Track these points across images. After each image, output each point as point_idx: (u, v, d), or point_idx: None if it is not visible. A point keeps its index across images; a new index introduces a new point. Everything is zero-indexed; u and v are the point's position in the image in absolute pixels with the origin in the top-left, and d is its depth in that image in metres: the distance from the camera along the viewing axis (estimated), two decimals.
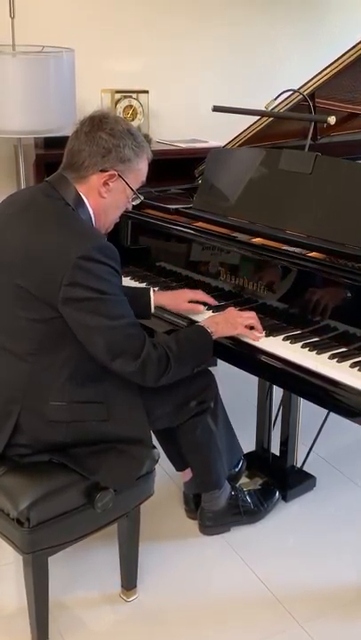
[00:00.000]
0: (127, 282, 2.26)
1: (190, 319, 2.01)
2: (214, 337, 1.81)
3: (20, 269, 1.61)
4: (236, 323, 1.84)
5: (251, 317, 1.86)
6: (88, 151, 1.68)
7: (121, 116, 2.99)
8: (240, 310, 1.91)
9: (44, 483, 1.63)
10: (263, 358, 1.80)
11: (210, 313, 2.00)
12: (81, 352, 1.64)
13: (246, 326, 1.84)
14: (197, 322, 1.89)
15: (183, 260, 2.24)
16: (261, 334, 1.85)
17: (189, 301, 2.02)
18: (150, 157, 1.79)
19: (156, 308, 2.02)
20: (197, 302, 2.02)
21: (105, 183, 1.70)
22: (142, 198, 1.85)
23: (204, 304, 2.02)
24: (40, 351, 1.64)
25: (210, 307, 2.03)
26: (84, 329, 1.60)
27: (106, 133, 1.68)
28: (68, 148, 1.72)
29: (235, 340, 1.87)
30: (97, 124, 1.69)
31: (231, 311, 1.89)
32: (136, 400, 1.77)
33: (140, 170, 1.76)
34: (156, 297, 2.02)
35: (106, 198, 1.72)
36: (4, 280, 1.65)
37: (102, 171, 1.69)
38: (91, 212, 1.72)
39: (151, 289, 2.05)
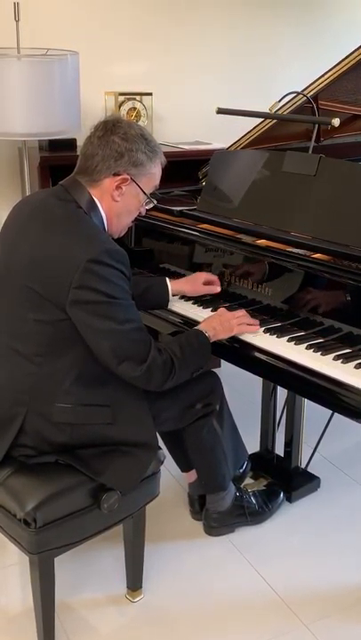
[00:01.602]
0: None
1: (189, 320, 2.03)
2: (212, 340, 1.83)
3: (30, 271, 1.62)
4: (232, 325, 1.87)
5: (242, 316, 1.89)
6: (101, 155, 1.69)
7: (125, 117, 3.00)
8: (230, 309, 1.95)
9: (51, 484, 1.64)
10: (268, 359, 1.80)
11: (197, 307, 2.07)
12: (88, 355, 1.65)
13: (241, 324, 1.87)
14: (197, 321, 1.92)
15: (187, 262, 2.25)
16: (258, 327, 1.88)
17: (204, 283, 2.08)
18: (164, 162, 1.80)
19: (173, 294, 2.08)
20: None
21: (118, 187, 1.71)
22: (155, 202, 1.86)
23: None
24: (48, 353, 1.65)
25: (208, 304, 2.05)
26: (91, 332, 1.61)
27: (119, 137, 1.69)
28: (82, 152, 1.73)
29: (239, 341, 1.88)
30: (110, 128, 1.70)
31: (224, 313, 1.91)
32: (142, 404, 1.78)
33: (153, 174, 1.77)
34: (173, 285, 2.07)
35: (119, 202, 1.73)
36: (14, 282, 1.66)
37: (115, 174, 1.70)
38: (103, 215, 1.73)
39: (167, 278, 2.08)
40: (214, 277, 2.09)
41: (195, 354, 1.79)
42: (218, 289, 2.07)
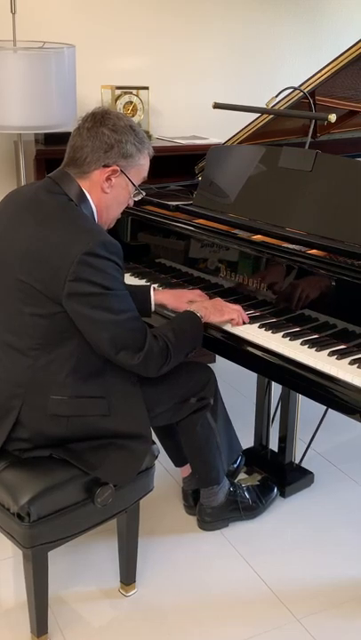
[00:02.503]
0: (127, 278, 2.26)
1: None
2: (203, 321, 1.85)
3: (24, 265, 1.62)
4: (223, 310, 1.89)
5: (236, 309, 1.90)
6: (90, 147, 1.69)
7: (121, 112, 2.99)
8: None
9: (45, 478, 1.64)
10: (263, 355, 1.81)
11: None
12: (83, 347, 1.66)
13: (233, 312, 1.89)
14: None
15: (183, 257, 2.25)
16: (247, 319, 1.90)
17: (189, 302, 2.01)
18: (152, 153, 1.81)
19: (156, 306, 2.03)
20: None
21: (107, 178, 1.71)
22: (144, 194, 1.86)
23: None
24: (43, 347, 1.65)
25: None
26: (88, 323, 1.61)
27: (108, 129, 1.69)
28: (71, 145, 1.73)
29: (233, 336, 1.89)
30: (99, 120, 1.70)
31: (218, 300, 1.94)
32: (137, 396, 1.78)
33: (141, 165, 1.78)
34: (157, 295, 2.03)
35: (108, 194, 1.73)
36: (8, 276, 1.66)
37: (105, 166, 1.70)
38: (93, 207, 1.73)
39: (152, 287, 2.05)
40: (199, 298, 2.01)
41: (188, 337, 1.82)
42: None
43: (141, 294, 2.01)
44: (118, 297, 1.64)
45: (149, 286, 2.06)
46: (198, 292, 2.06)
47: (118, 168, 1.71)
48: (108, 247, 1.61)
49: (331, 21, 3.59)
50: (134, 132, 1.73)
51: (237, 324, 1.88)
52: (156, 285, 2.16)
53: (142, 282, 2.26)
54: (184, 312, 1.89)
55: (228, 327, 1.91)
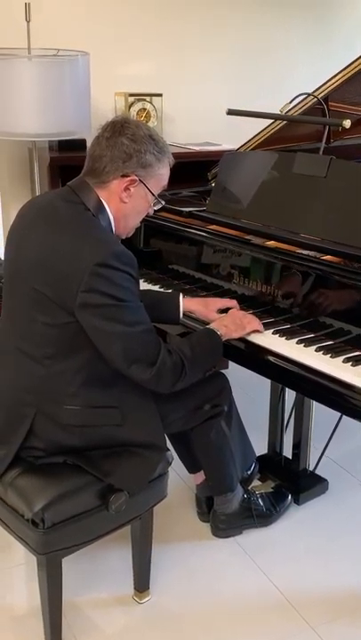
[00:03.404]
0: (141, 285, 2.26)
1: (198, 321, 2.02)
2: (223, 339, 1.83)
3: (38, 274, 1.62)
4: (243, 324, 1.87)
5: (254, 318, 1.89)
6: (109, 156, 1.67)
7: (135, 118, 3.00)
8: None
9: (59, 484, 1.64)
10: (277, 361, 1.80)
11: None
12: (96, 357, 1.65)
13: (252, 322, 1.88)
14: (206, 323, 1.91)
15: (196, 263, 2.25)
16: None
17: (218, 310, 1.99)
18: (172, 162, 1.78)
19: (184, 313, 2.00)
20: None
21: (126, 188, 1.70)
22: (163, 203, 1.84)
23: None
24: (56, 355, 1.65)
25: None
26: (100, 335, 1.61)
27: (127, 138, 1.67)
28: (90, 154, 1.72)
29: (247, 342, 1.88)
30: (118, 129, 1.69)
31: (236, 313, 1.92)
32: (150, 405, 1.77)
33: (161, 175, 1.76)
34: (186, 302, 2.00)
35: (127, 203, 1.72)
36: (23, 284, 1.66)
37: (123, 176, 1.69)
38: (111, 217, 1.72)
39: (180, 294, 2.03)
40: (231, 302, 2.00)
41: (205, 353, 1.79)
42: None
43: (171, 300, 2.00)
44: (131, 309, 1.62)
45: (178, 293, 2.04)
46: (233, 301, 2.00)
47: (137, 178, 1.70)
48: (121, 258, 1.59)
49: (344, 27, 3.59)
50: (154, 142, 1.71)
51: (260, 332, 1.86)
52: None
53: (155, 288, 2.26)
54: (204, 329, 1.86)
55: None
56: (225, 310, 1.99)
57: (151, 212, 1.84)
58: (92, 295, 1.56)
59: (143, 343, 1.64)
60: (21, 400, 1.69)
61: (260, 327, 1.88)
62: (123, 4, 3.07)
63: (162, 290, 2.24)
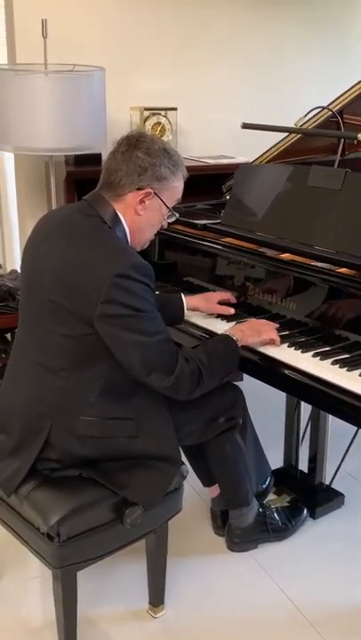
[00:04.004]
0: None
1: (212, 332, 2.03)
2: (240, 344, 1.84)
3: (57, 286, 1.64)
4: (261, 330, 1.88)
5: (273, 327, 1.90)
6: (125, 170, 1.70)
7: (150, 132, 3.02)
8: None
9: (74, 498, 1.64)
10: (292, 375, 1.79)
11: (230, 324, 2.04)
12: (113, 369, 1.66)
13: (269, 330, 1.89)
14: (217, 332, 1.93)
15: (211, 276, 2.25)
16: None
17: (219, 302, 2.10)
18: (186, 175, 1.81)
19: (188, 310, 2.09)
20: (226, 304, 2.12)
21: (141, 201, 1.73)
22: (177, 216, 1.88)
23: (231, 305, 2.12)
24: (73, 367, 1.66)
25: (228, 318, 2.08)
26: (119, 345, 1.62)
27: (142, 152, 1.70)
28: (106, 167, 1.75)
29: (263, 355, 1.87)
30: (133, 143, 1.72)
31: (253, 320, 1.95)
32: (165, 417, 1.78)
33: (175, 188, 1.79)
34: (188, 301, 2.09)
35: (142, 216, 1.75)
36: (41, 296, 1.67)
37: (139, 189, 1.72)
38: (127, 229, 1.74)
39: (182, 294, 2.11)
40: (228, 295, 2.12)
41: (222, 360, 1.80)
42: (232, 310, 2.09)
43: (175, 301, 2.07)
44: (149, 319, 1.64)
45: (180, 293, 2.11)
46: (227, 294, 2.11)
47: (152, 190, 1.73)
48: (140, 269, 1.62)
49: (358, 40, 3.60)
50: (168, 155, 1.74)
51: (277, 344, 1.87)
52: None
53: None
54: (220, 335, 1.88)
55: (255, 345, 1.90)
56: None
57: (165, 225, 1.86)
58: (112, 306, 1.58)
59: (161, 352, 1.66)
60: (38, 412, 1.70)
61: (276, 336, 1.88)
62: (137, 19, 3.10)
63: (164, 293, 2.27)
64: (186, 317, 2.10)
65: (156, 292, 2.19)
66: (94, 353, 1.65)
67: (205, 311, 2.11)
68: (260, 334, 1.87)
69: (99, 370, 1.67)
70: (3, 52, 3.13)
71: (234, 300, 2.12)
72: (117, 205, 1.73)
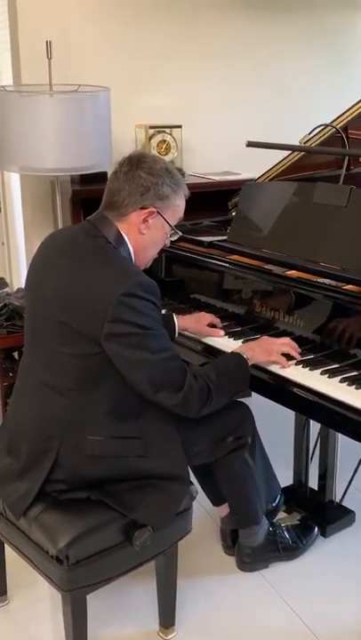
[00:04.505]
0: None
1: (219, 351, 2.03)
2: (250, 363, 1.84)
3: (63, 306, 1.64)
4: (272, 349, 1.87)
5: (285, 343, 1.89)
6: (128, 190, 1.72)
7: (155, 150, 3.04)
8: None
9: (83, 520, 1.63)
10: (300, 392, 1.78)
11: (227, 338, 2.07)
12: (120, 388, 1.66)
13: (282, 354, 1.87)
14: (220, 349, 1.95)
15: (218, 293, 2.25)
16: (296, 359, 1.87)
17: (208, 325, 2.12)
18: (187, 194, 1.83)
19: (179, 331, 2.12)
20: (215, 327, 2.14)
21: (144, 220, 1.74)
22: (180, 234, 1.89)
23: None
24: (80, 386, 1.66)
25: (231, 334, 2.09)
26: (127, 363, 1.63)
27: (144, 172, 1.72)
28: (108, 188, 1.76)
29: (271, 373, 1.87)
30: (135, 163, 1.73)
31: (265, 338, 1.94)
32: (174, 436, 1.77)
33: (177, 206, 1.80)
34: (179, 321, 2.12)
35: (145, 235, 1.76)
36: (47, 316, 1.68)
37: (142, 208, 1.73)
38: (131, 249, 1.75)
39: (174, 314, 2.13)
40: (217, 320, 2.14)
41: (232, 378, 1.81)
42: (221, 333, 2.10)
43: (167, 322, 2.05)
44: (156, 337, 1.65)
45: (172, 314, 2.13)
46: (216, 319, 2.14)
47: (155, 209, 1.74)
48: (146, 287, 1.63)
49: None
50: (170, 174, 1.76)
51: (285, 367, 1.86)
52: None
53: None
54: (230, 353, 1.88)
55: (264, 364, 1.89)
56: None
57: (168, 244, 1.88)
58: (118, 325, 1.59)
59: (169, 370, 1.66)
60: (46, 433, 1.69)
61: (291, 350, 1.87)
62: (141, 39, 3.12)
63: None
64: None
65: (163, 311, 2.22)
66: (101, 372, 1.65)
67: (194, 332, 2.13)
68: (270, 354, 1.87)
69: (106, 389, 1.67)
70: (8, 74, 3.16)
71: (220, 327, 2.12)
72: (121, 225, 1.74)
